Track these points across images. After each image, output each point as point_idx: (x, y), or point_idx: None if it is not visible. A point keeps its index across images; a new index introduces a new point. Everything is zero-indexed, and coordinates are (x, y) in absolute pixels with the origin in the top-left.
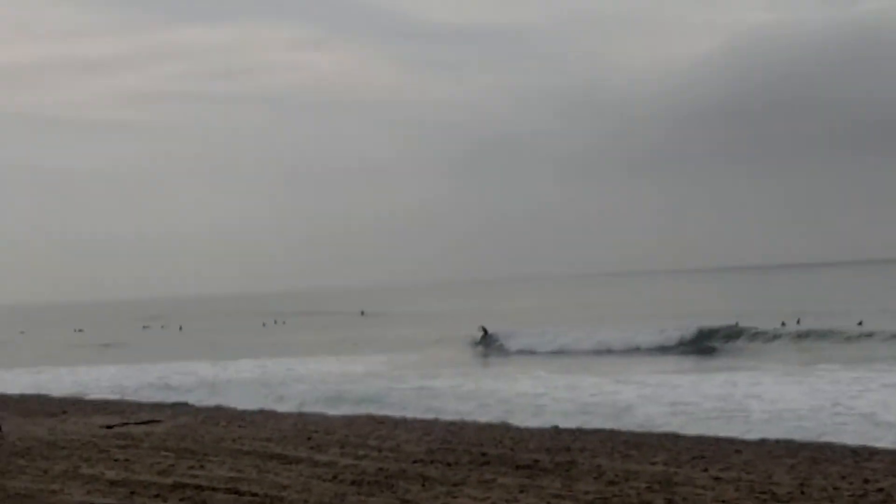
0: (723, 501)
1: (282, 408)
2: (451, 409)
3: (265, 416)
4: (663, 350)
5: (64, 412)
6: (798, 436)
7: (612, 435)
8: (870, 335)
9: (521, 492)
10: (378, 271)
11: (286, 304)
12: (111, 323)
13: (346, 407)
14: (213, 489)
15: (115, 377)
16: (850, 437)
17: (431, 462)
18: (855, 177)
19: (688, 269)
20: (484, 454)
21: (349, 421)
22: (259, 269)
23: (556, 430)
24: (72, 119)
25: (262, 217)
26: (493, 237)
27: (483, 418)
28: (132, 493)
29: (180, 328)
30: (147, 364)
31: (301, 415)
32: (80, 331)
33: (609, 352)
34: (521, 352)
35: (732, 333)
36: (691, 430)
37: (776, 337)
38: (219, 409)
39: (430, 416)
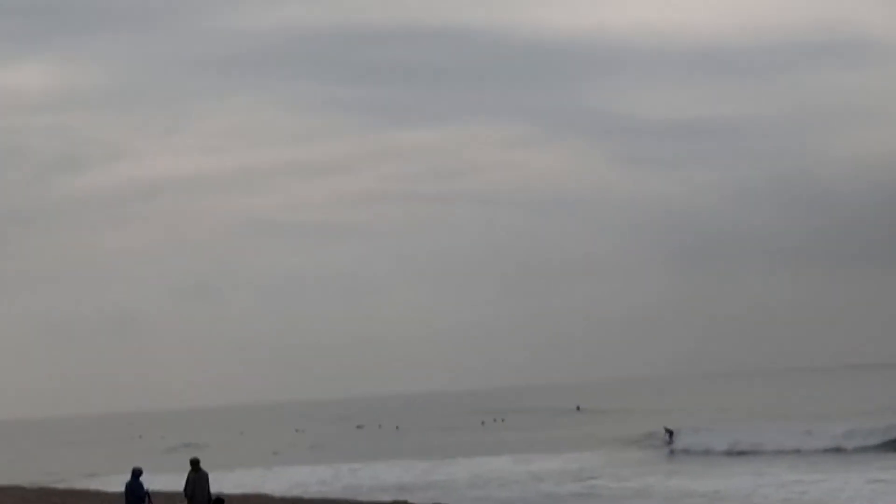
0: None
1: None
2: None
3: None
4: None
5: None
6: None
7: None
8: None
9: None
10: (594, 367)
11: (504, 401)
12: (328, 423)
13: None
14: None
15: (336, 476)
16: None
17: None
18: None
19: None
20: None
21: None
22: (475, 366)
23: None
24: (296, 222)
25: (477, 315)
26: (712, 332)
27: None
28: None
29: (397, 428)
30: (357, 463)
31: None
32: (300, 431)
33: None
34: (707, 452)
35: None
36: None
37: None
38: None
39: None
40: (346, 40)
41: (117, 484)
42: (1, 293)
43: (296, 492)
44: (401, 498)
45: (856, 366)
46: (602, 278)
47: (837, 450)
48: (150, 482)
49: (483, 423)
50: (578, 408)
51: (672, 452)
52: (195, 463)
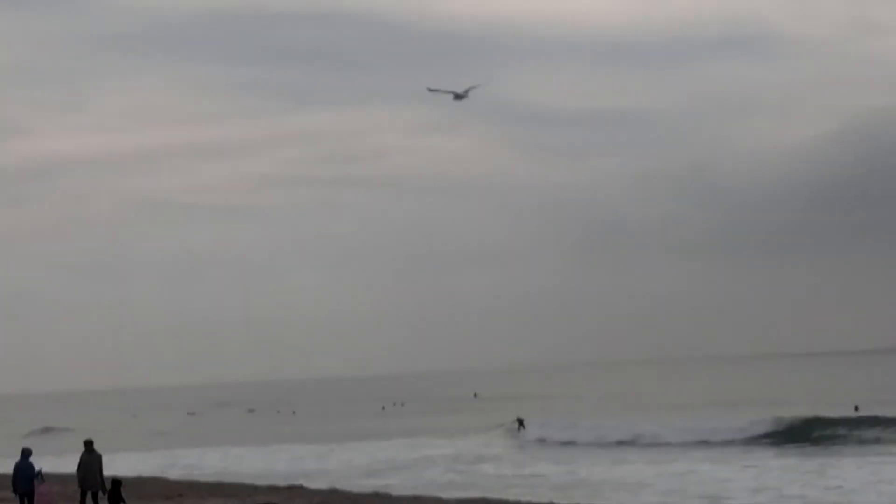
0: None
1: (396, 492)
2: None
3: (380, 500)
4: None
5: (180, 495)
6: None
7: None
8: None
9: None
10: (493, 355)
11: (402, 387)
12: (221, 407)
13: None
14: None
15: (229, 460)
16: None
17: None
18: None
19: (807, 352)
20: None
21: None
22: (373, 352)
23: None
24: (195, 203)
25: (377, 300)
26: (609, 320)
27: None
28: None
29: (293, 413)
30: (259, 447)
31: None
32: (192, 414)
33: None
34: (556, 442)
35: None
36: None
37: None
38: (333, 493)
39: None
40: (249, 22)
41: (5, 466)
42: None
43: (193, 475)
44: (296, 483)
45: (753, 356)
46: (503, 265)
47: (704, 443)
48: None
49: (384, 408)
50: (476, 395)
51: (522, 441)
52: (89, 444)
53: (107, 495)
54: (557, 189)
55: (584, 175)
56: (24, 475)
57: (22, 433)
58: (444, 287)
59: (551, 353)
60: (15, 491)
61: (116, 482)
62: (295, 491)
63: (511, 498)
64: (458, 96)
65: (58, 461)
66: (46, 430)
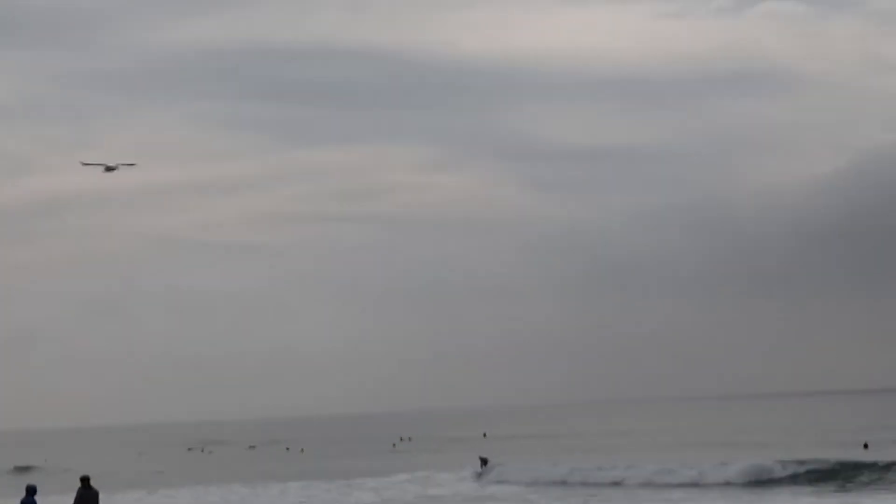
0: None
1: None
2: None
3: None
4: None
5: None
6: None
7: None
8: None
9: None
10: (502, 392)
11: (413, 424)
12: (226, 443)
13: None
14: None
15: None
16: None
17: None
18: None
19: (811, 391)
20: None
21: None
22: (381, 389)
23: None
24: (203, 240)
25: (383, 336)
26: (615, 358)
27: None
28: None
29: (287, 448)
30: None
31: None
32: (191, 450)
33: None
34: (516, 482)
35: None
36: None
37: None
38: None
39: None
40: (257, 58)
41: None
42: None
43: None
44: None
45: (755, 395)
46: (510, 302)
47: (694, 485)
48: None
49: (394, 445)
50: (485, 434)
51: (481, 481)
52: (85, 480)
53: None
54: (565, 226)
55: (593, 212)
56: None
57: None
58: (452, 323)
59: (559, 392)
60: None
61: None
62: None
63: None
64: (109, 168)
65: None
66: (24, 470)
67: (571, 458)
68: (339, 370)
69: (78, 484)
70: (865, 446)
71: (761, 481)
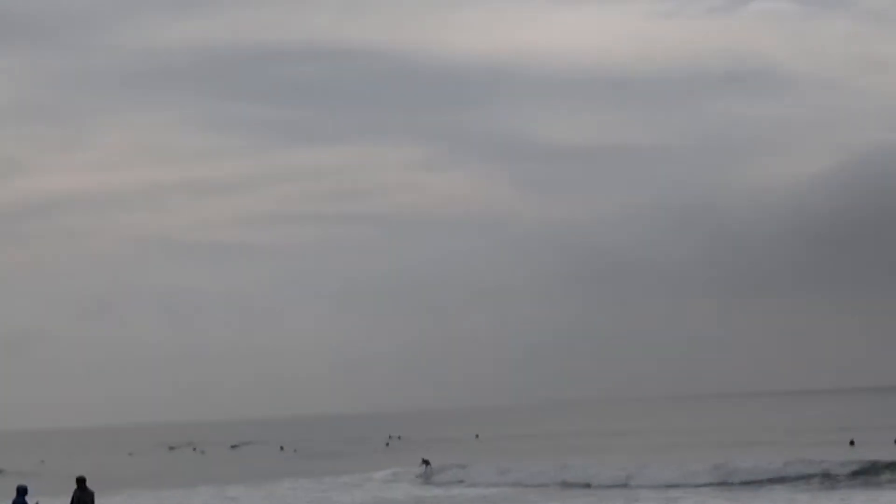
0: None
1: None
2: None
3: None
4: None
5: None
6: None
7: None
8: None
9: None
10: (493, 392)
11: (405, 424)
12: (218, 443)
13: None
14: None
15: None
16: None
17: None
18: None
19: (795, 390)
20: None
21: None
22: (374, 389)
23: None
24: (196, 240)
25: (377, 336)
26: (608, 357)
27: None
28: None
29: (282, 448)
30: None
31: None
32: (173, 448)
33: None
34: (455, 483)
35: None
36: None
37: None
38: None
39: None
40: (249, 59)
41: None
42: None
43: None
44: None
45: (749, 393)
46: (504, 301)
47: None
48: None
49: (387, 444)
50: (477, 436)
51: (424, 482)
52: (81, 481)
53: None
54: (558, 226)
55: (585, 212)
56: None
57: None
58: (443, 323)
59: (552, 391)
60: None
61: None
62: None
63: None
64: None
65: None
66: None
67: (543, 460)
68: (334, 370)
69: (74, 485)
70: (852, 443)
71: (749, 481)
